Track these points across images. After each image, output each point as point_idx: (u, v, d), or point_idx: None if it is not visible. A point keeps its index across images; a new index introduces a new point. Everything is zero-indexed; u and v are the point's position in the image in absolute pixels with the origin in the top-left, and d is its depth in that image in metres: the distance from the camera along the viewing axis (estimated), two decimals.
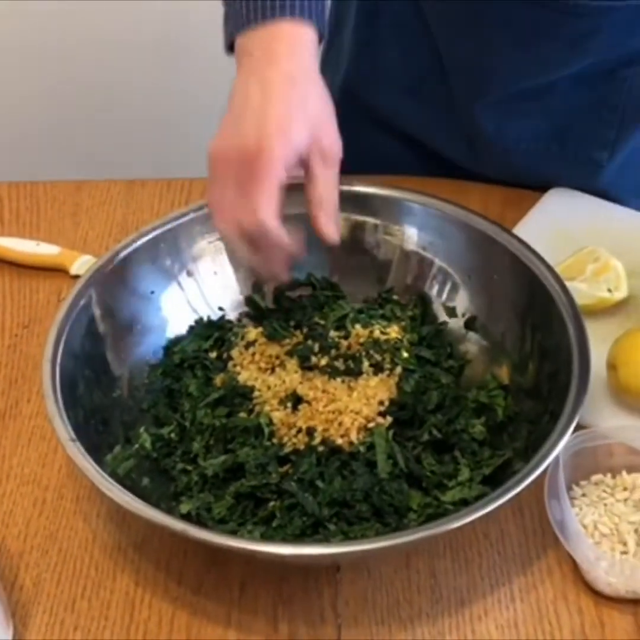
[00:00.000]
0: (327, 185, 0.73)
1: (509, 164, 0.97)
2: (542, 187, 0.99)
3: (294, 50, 0.70)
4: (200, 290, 0.84)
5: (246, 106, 0.70)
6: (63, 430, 0.68)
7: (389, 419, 0.75)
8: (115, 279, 0.79)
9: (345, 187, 0.84)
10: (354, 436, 0.74)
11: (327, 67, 1.09)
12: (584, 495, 0.74)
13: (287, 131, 0.69)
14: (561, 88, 0.92)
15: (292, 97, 0.70)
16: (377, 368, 0.79)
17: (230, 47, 0.75)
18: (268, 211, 0.69)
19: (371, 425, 0.75)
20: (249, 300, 0.86)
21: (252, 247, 0.72)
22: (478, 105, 0.96)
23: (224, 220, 0.72)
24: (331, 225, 0.75)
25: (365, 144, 0.97)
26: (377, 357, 0.80)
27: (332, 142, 0.73)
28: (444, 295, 0.84)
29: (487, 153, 0.99)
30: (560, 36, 0.87)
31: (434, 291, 0.85)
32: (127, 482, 0.71)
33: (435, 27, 0.93)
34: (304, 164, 0.72)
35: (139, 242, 0.80)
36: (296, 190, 0.73)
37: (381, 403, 0.76)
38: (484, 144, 0.98)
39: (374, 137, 1.02)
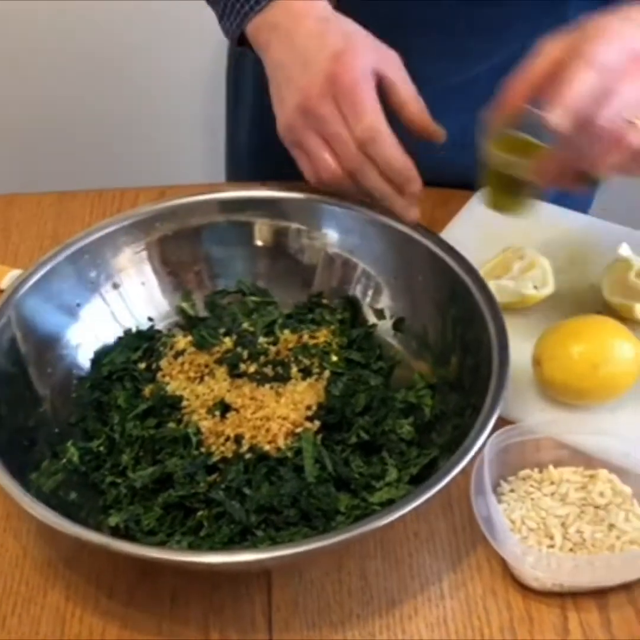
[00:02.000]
0: (406, 84, 0.76)
1: (434, 165, 0.97)
2: (470, 188, 1.00)
3: (314, 5, 0.75)
4: (127, 301, 0.84)
5: (305, 54, 0.73)
6: None
7: (317, 423, 0.76)
8: (38, 293, 0.78)
9: (266, 193, 0.86)
10: (281, 442, 0.74)
11: (237, 103, 1.11)
12: (511, 490, 0.75)
13: (353, 46, 0.72)
14: (483, 81, 0.93)
15: (339, 28, 0.74)
16: (306, 373, 0.80)
17: (238, 40, 0.77)
18: (375, 113, 0.71)
19: (299, 430, 0.75)
20: (178, 309, 0.86)
21: (362, 177, 0.74)
22: None
23: (326, 159, 0.74)
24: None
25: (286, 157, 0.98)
26: (306, 361, 0.80)
27: (393, 54, 0.76)
28: (370, 298, 0.85)
29: (413, 153, 0.99)
30: (478, 27, 0.87)
31: (360, 294, 0.85)
32: (54, 498, 0.70)
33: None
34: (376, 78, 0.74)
35: (62, 255, 0.80)
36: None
37: (309, 408, 0.76)
38: (409, 144, 0.98)
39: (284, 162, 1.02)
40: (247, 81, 1.07)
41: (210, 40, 1.25)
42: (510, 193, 0.79)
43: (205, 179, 1.19)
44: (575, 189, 0.73)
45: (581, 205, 0.80)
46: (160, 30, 1.60)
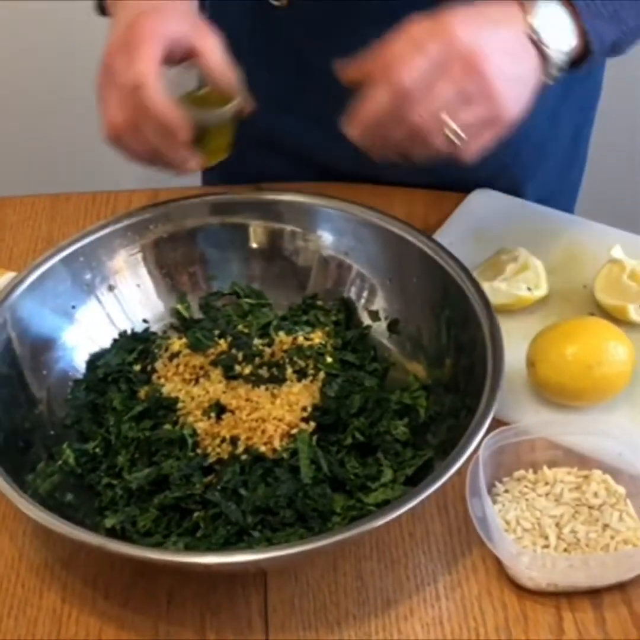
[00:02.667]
0: (214, 54, 0.78)
1: (427, 167, 0.98)
2: (463, 190, 1.00)
3: None
4: (122, 303, 0.84)
5: (122, 18, 0.77)
6: None
7: (313, 424, 0.76)
8: (32, 296, 0.78)
9: (261, 195, 0.86)
10: (277, 443, 0.74)
11: None
12: (506, 491, 0.75)
13: (158, 10, 0.76)
14: None
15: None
16: (301, 374, 0.80)
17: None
18: (145, 62, 0.73)
19: (294, 431, 0.75)
20: (173, 311, 0.86)
21: (136, 132, 0.75)
22: None
23: (111, 109, 0.75)
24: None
25: (257, 167, 0.98)
26: (301, 363, 0.81)
27: (207, 28, 0.78)
28: (364, 299, 0.85)
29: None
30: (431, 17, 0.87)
31: (354, 295, 0.85)
32: (50, 500, 0.70)
33: (299, 37, 0.93)
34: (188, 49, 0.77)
35: (57, 257, 0.80)
36: None
37: (304, 409, 0.77)
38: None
39: (264, 160, 1.02)
40: None
41: None
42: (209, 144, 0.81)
43: (198, 181, 1.19)
44: (389, 160, 0.74)
45: (564, 206, 0.80)
46: None
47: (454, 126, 0.69)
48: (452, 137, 0.70)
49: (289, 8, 0.90)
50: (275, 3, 0.91)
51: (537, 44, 0.71)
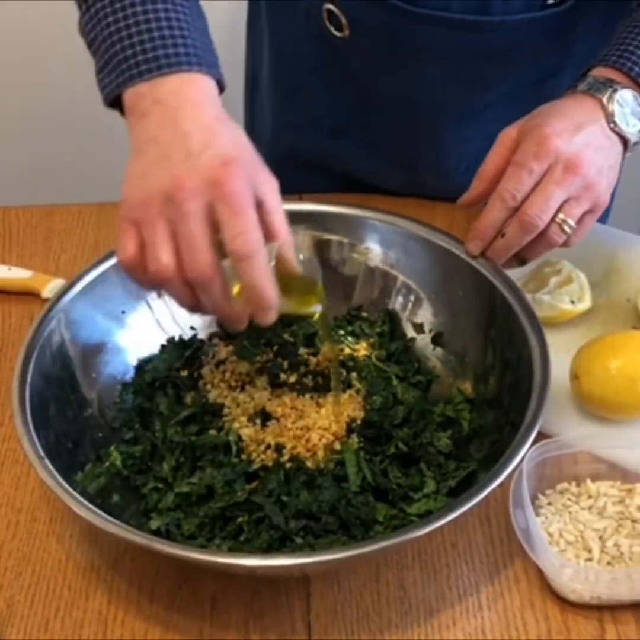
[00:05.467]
0: (281, 215, 0.68)
1: (448, 186, 0.99)
2: None
3: (208, 98, 0.69)
4: (170, 310, 0.85)
5: (189, 142, 0.66)
6: (32, 448, 0.69)
7: (357, 433, 0.77)
8: (84, 300, 0.80)
9: (311, 206, 0.87)
10: (321, 453, 0.75)
11: (254, 119, 1.12)
12: (549, 503, 0.75)
13: (242, 158, 0.66)
14: (494, 109, 0.95)
15: (231, 132, 0.68)
16: (346, 385, 0.80)
17: (113, 99, 0.70)
18: (258, 231, 0.64)
19: (339, 441, 0.76)
20: (219, 321, 0.87)
21: (212, 289, 0.66)
22: (415, 137, 0.98)
23: (168, 265, 0.65)
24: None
25: (303, 187, 0.99)
26: (346, 373, 0.81)
27: (274, 181, 0.69)
28: (409, 311, 0.86)
29: (425, 179, 1.01)
30: (486, 55, 0.90)
31: (399, 307, 0.86)
32: (98, 500, 0.71)
33: (358, 67, 0.95)
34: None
35: (107, 263, 0.81)
36: None
37: (349, 419, 0.78)
38: (423, 172, 1.01)
39: (310, 180, 1.04)
40: (264, 105, 1.09)
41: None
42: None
43: None
44: (507, 267, 0.82)
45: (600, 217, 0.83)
46: None
47: (571, 222, 0.79)
48: (568, 231, 0.79)
49: (349, 39, 0.91)
50: (337, 34, 0.92)
51: (619, 133, 0.81)
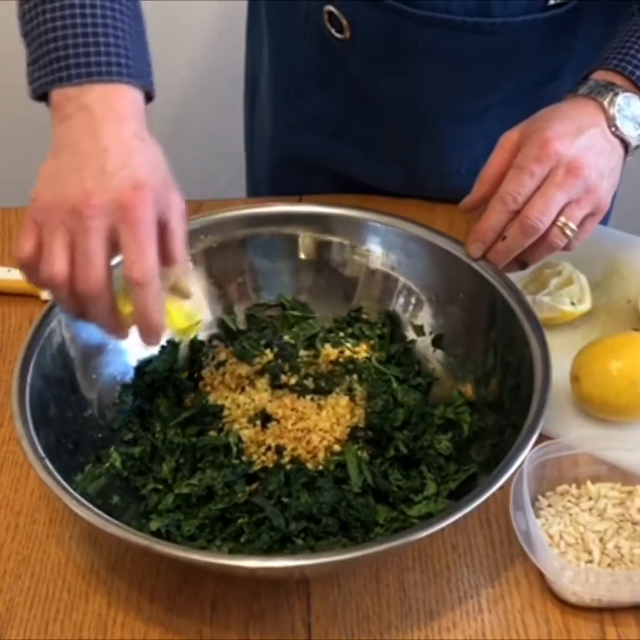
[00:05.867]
0: (180, 244, 0.69)
1: (449, 188, 0.99)
2: None
3: (133, 112, 0.69)
4: None
5: (105, 158, 0.66)
6: (32, 449, 0.69)
7: (357, 436, 0.77)
8: None
9: (311, 208, 0.87)
10: (322, 455, 0.75)
11: (254, 120, 1.12)
12: (549, 505, 0.75)
13: (154, 184, 0.66)
14: (494, 111, 0.95)
15: (149, 155, 0.67)
16: (346, 387, 0.80)
17: (41, 94, 0.70)
18: (154, 262, 0.65)
19: (339, 443, 0.76)
20: (219, 322, 0.87)
21: (100, 303, 0.67)
22: (415, 139, 0.98)
23: (58, 256, 0.65)
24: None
25: (302, 188, 1.00)
26: (346, 375, 0.81)
27: (182, 205, 0.69)
28: (410, 313, 0.86)
29: (426, 181, 1.01)
30: (487, 57, 0.90)
31: (400, 309, 0.86)
32: (97, 501, 0.71)
33: (358, 68, 0.95)
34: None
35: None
36: None
37: (349, 421, 0.77)
38: (424, 173, 1.01)
39: (309, 180, 1.04)
40: (264, 107, 1.09)
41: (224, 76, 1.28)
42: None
43: (242, 194, 1.21)
44: (508, 270, 0.82)
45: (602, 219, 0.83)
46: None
47: (573, 225, 0.79)
48: (569, 234, 0.79)
49: (350, 40, 0.92)
50: (338, 35, 0.92)
51: (620, 136, 0.81)
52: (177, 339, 0.84)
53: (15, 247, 0.68)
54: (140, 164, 0.66)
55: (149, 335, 0.68)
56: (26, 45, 0.73)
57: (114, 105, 0.68)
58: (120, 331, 0.70)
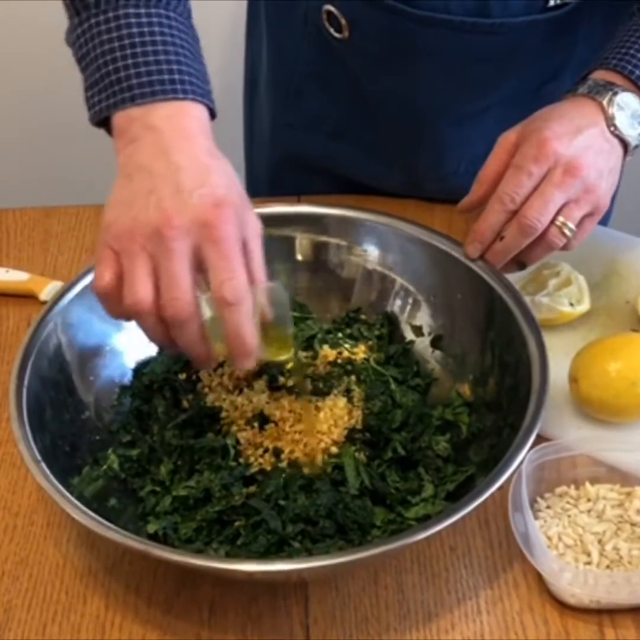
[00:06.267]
0: (260, 263, 0.67)
1: (448, 188, 0.99)
2: None
3: (201, 129, 0.68)
4: None
5: (181, 177, 0.64)
6: (29, 452, 0.69)
7: (356, 439, 0.76)
8: (82, 303, 0.79)
9: (309, 208, 0.87)
10: (320, 456, 0.75)
11: (253, 121, 1.12)
12: (548, 507, 0.75)
13: (234, 201, 0.65)
14: (494, 111, 0.95)
15: (224, 172, 0.66)
16: (344, 388, 0.80)
17: (101, 118, 0.69)
18: (244, 278, 0.63)
19: (337, 444, 0.76)
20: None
21: (188, 329, 0.65)
22: (414, 139, 0.98)
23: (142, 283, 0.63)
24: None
25: (301, 188, 0.99)
26: (344, 376, 0.81)
27: (258, 223, 0.68)
28: (408, 314, 0.86)
29: (425, 181, 1.01)
30: (486, 57, 0.90)
31: (398, 310, 0.86)
32: (95, 504, 0.71)
33: (357, 68, 0.95)
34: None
35: None
36: None
37: (347, 423, 0.77)
38: (423, 174, 1.01)
39: (309, 181, 1.04)
40: (263, 107, 1.09)
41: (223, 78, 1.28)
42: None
43: None
44: (506, 270, 0.82)
45: (601, 219, 0.83)
46: None
47: (571, 225, 0.79)
48: (568, 234, 0.79)
49: (349, 40, 0.91)
50: (337, 35, 0.92)
51: (619, 136, 0.81)
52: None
53: (94, 276, 0.65)
54: (217, 181, 0.64)
55: (243, 357, 0.65)
56: (82, 69, 0.71)
57: (181, 123, 0.67)
58: (211, 360, 0.68)
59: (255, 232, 0.67)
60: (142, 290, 0.63)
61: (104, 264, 0.65)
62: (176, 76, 0.68)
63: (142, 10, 0.69)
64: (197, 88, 0.68)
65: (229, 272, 0.63)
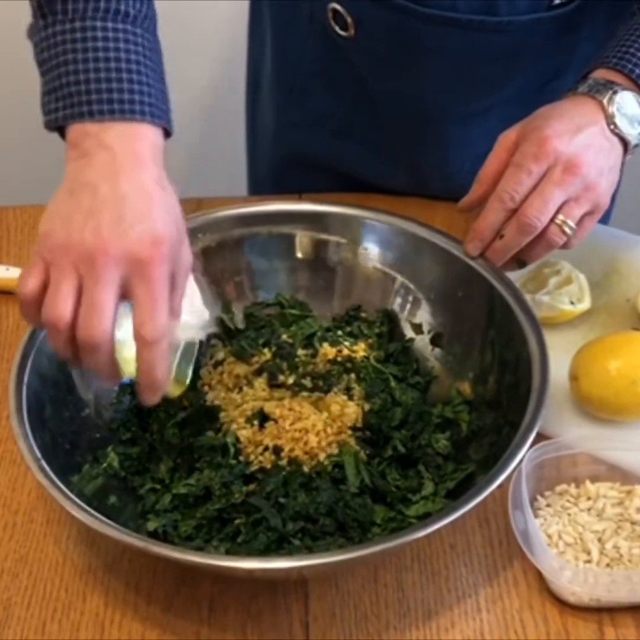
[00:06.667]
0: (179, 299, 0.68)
1: (452, 187, 0.99)
2: None
3: (155, 154, 0.67)
4: None
5: (124, 204, 0.64)
6: (29, 450, 0.69)
7: (355, 437, 0.76)
8: None
9: (309, 206, 0.87)
10: (320, 455, 0.75)
11: (256, 120, 1.12)
12: (548, 505, 0.75)
13: (171, 240, 0.65)
14: (498, 110, 0.95)
15: (167, 205, 0.66)
16: (344, 386, 0.80)
17: (56, 125, 0.69)
18: (164, 328, 0.63)
19: (337, 443, 0.76)
20: (218, 321, 0.87)
21: (98, 354, 0.64)
22: (419, 138, 0.98)
23: (60, 316, 0.63)
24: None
25: (305, 186, 1.00)
26: (344, 374, 0.81)
27: (190, 258, 0.69)
28: (408, 312, 0.85)
29: (430, 180, 1.01)
30: (492, 56, 0.90)
31: (398, 307, 0.86)
32: (95, 502, 0.71)
33: (362, 67, 0.95)
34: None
35: None
36: None
37: (347, 420, 0.77)
38: (428, 172, 1.00)
39: (312, 179, 1.04)
40: (266, 106, 1.09)
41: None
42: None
43: (243, 192, 1.21)
44: (506, 269, 0.82)
45: (602, 218, 0.83)
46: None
47: (571, 223, 0.78)
48: (568, 232, 0.79)
49: (354, 38, 0.91)
50: (342, 33, 0.92)
51: (619, 135, 0.81)
52: None
53: (19, 280, 0.65)
54: (159, 216, 0.64)
55: (151, 393, 0.66)
56: (41, 73, 0.70)
57: (134, 147, 0.66)
58: (114, 380, 0.68)
59: (185, 267, 0.67)
60: (62, 306, 0.63)
61: (32, 271, 0.65)
62: (136, 96, 0.67)
63: (109, 24, 0.68)
64: (156, 109, 0.68)
65: (152, 313, 0.63)
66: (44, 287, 0.65)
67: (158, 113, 0.68)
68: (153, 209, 0.65)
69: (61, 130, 0.69)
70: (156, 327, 0.63)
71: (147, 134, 0.68)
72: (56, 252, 0.64)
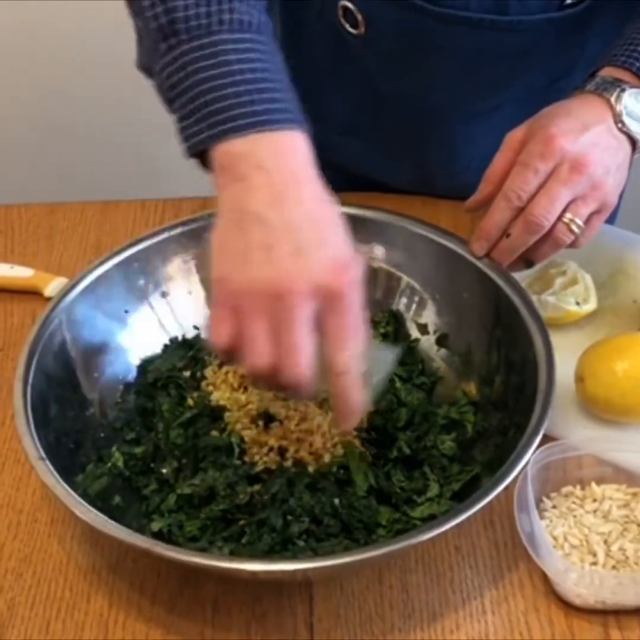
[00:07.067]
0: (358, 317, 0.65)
1: (459, 186, 0.98)
2: None
3: (309, 167, 0.65)
4: (174, 309, 0.84)
5: (299, 234, 0.62)
6: (33, 449, 0.68)
7: (360, 436, 0.76)
8: (87, 300, 0.79)
9: None
10: (325, 456, 0.75)
11: None
12: (554, 507, 0.75)
13: (352, 262, 0.63)
14: (506, 109, 0.94)
15: (335, 221, 0.65)
16: None
17: (202, 149, 0.65)
18: (357, 348, 0.63)
19: (342, 444, 0.75)
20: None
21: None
22: (426, 136, 0.98)
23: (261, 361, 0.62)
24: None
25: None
26: None
27: (360, 265, 0.66)
28: (413, 312, 0.85)
29: (436, 178, 1.01)
30: (502, 55, 0.90)
31: (403, 308, 0.85)
32: (99, 501, 0.71)
33: (371, 65, 0.94)
34: None
35: (111, 262, 0.81)
36: None
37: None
38: (434, 171, 1.00)
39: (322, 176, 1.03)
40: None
41: None
42: None
43: None
44: (513, 269, 0.81)
45: (608, 218, 0.83)
46: None
47: (579, 221, 0.78)
48: (576, 231, 0.78)
49: (365, 36, 0.91)
50: (353, 31, 0.91)
51: (627, 133, 0.80)
52: (179, 337, 0.84)
53: (211, 332, 0.64)
54: (333, 239, 0.63)
55: (347, 418, 0.66)
56: (171, 99, 0.67)
57: (289, 164, 0.64)
58: (309, 396, 0.68)
59: (359, 281, 0.64)
60: (263, 357, 0.62)
61: (221, 322, 0.63)
62: (277, 105, 0.65)
63: (237, 36, 0.66)
64: (296, 116, 0.67)
65: (344, 343, 0.62)
66: (238, 336, 0.63)
67: (299, 119, 0.67)
68: (327, 234, 0.63)
69: (202, 157, 0.66)
70: (348, 356, 0.62)
71: (296, 145, 0.66)
72: (242, 297, 0.62)
